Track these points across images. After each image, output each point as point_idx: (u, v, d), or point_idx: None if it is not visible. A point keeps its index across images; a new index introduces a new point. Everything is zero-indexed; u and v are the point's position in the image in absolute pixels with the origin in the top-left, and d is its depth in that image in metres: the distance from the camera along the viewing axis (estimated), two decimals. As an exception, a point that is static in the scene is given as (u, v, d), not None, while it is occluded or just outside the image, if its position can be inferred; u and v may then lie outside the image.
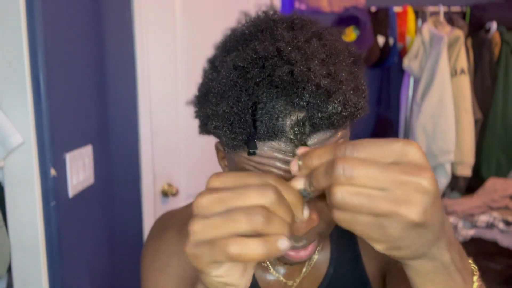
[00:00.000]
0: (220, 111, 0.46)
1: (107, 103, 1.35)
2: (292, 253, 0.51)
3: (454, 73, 2.30)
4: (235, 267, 0.37)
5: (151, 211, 1.61)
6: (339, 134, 0.46)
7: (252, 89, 0.44)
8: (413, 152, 0.33)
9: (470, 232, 1.92)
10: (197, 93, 0.54)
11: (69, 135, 1.09)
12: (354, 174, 0.32)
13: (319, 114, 0.43)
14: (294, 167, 0.38)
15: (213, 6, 1.73)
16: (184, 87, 1.66)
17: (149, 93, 1.56)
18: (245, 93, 0.44)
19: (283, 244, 0.34)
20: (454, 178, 2.39)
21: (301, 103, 0.43)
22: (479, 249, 1.83)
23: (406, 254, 0.35)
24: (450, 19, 2.40)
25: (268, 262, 0.65)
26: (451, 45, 2.28)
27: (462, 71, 2.29)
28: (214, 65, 0.51)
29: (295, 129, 0.44)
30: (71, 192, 1.08)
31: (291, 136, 0.44)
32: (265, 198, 0.34)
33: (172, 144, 1.67)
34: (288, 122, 0.44)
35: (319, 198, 0.43)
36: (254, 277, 0.64)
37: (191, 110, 0.56)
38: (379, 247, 0.35)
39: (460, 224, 1.95)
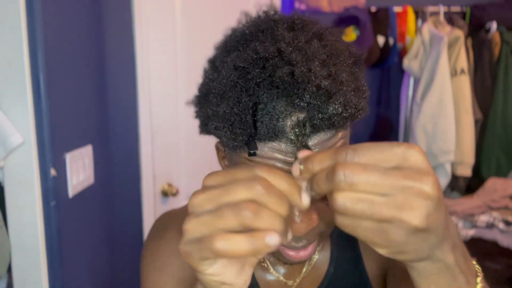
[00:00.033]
0: (220, 111, 0.46)
1: (107, 103, 1.34)
2: (292, 253, 0.51)
3: (454, 73, 2.30)
4: (229, 265, 0.37)
5: (151, 211, 1.61)
6: (340, 134, 0.46)
7: (253, 90, 0.44)
8: (415, 156, 0.32)
9: (470, 232, 1.92)
10: (198, 93, 0.54)
11: (69, 135, 1.09)
12: (355, 180, 0.32)
13: (320, 115, 0.43)
14: (295, 171, 0.37)
15: (213, 6, 1.73)
16: (184, 87, 1.66)
17: (149, 93, 1.56)
18: (246, 94, 0.44)
19: (272, 240, 0.33)
20: (454, 178, 2.39)
21: (302, 104, 0.43)
22: (479, 249, 1.83)
23: (410, 257, 0.35)
24: (450, 19, 2.40)
25: (268, 262, 0.65)
26: (451, 45, 2.28)
27: (462, 71, 2.29)
28: (215, 65, 0.51)
29: (296, 130, 0.44)
30: (71, 192, 1.08)
31: (292, 137, 0.44)
32: (252, 191, 0.33)
33: (172, 144, 1.67)
34: (289, 123, 0.44)
35: (320, 199, 0.43)
36: (254, 277, 0.64)
37: (191, 110, 0.56)
38: (382, 252, 0.34)
39: (460, 224, 1.95)
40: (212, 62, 0.53)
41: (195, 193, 0.35)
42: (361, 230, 0.33)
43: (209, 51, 0.55)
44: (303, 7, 2.50)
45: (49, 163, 0.98)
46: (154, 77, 1.58)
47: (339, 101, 0.43)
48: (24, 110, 0.94)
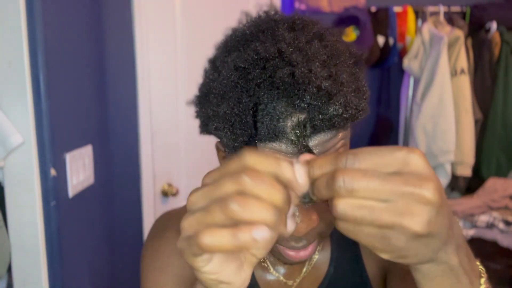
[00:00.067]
0: (221, 112, 0.46)
1: (107, 103, 1.34)
2: (292, 253, 0.51)
3: (454, 73, 2.30)
4: (226, 263, 0.37)
5: (151, 211, 1.61)
6: (340, 135, 0.46)
7: (253, 90, 0.44)
8: (416, 161, 0.32)
9: (470, 232, 1.92)
10: (198, 93, 0.54)
11: (69, 135, 1.09)
12: (355, 187, 0.31)
13: (320, 116, 0.43)
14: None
15: (213, 6, 1.73)
16: (184, 87, 1.66)
17: (149, 93, 1.56)
18: (246, 94, 0.44)
19: (259, 233, 0.31)
20: (454, 178, 2.39)
21: (302, 104, 0.43)
22: (479, 249, 1.83)
23: (413, 261, 0.35)
24: (450, 19, 2.40)
25: (268, 262, 0.65)
26: (451, 45, 2.28)
27: (462, 71, 2.29)
28: (215, 65, 0.51)
29: (296, 130, 0.44)
30: (71, 192, 1.08)
31: (292, 138, 0.44)
32: (238, 182, 0.32)
33: (172, 144, 1.67)
34: (289, 124, 0.44)
35: None
36: (253, 277, 0.64)
37: (191, 110, 0.56)
38: (384, 256, 0.34)
39: (460, 224, 1.95)
40: (213, 62, 0.53)
41: (192, 191, 0.35)
42: (363, 235, 0.33)
43: (209, 51, 0.55)
44: (303, 7, 2.50)
45: (49, 163, 0.98)
46: (154, 77, 1.57)
47: (339, 102, 0.43)
48: (24, 110, 0.94)
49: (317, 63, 0.44)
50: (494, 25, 2.34)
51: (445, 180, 2.34)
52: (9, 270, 1.02)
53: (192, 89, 0.57)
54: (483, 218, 1.93)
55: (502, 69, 2.35)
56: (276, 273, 0.64)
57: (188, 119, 1.67)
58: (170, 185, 1.67)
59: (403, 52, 2.51)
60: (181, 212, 0.70)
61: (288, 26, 0.48)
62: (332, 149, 0.46)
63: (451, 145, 2.27)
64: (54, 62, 0.99)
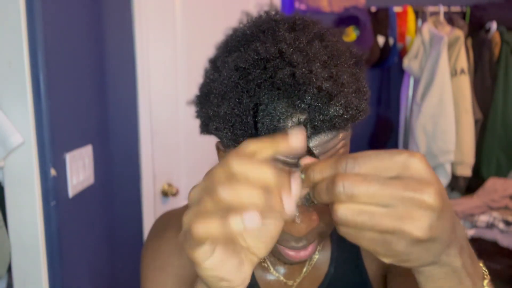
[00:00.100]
0: (221, 112, 0.46)
1: (107, 103, 1.34)
2: (292, 253, 0.51)
3: (454, 73, 2.30)
4: (227, 259, 0.37)
5: (151, 211, 1.61)
6: (341, 135, 0.46)
7: (254, 91, 0.44)
8: (416, 165, 0.32)
9: (470, 232, 1.92)
10: (199, 93, 0.54)
11: (69, 135, 1.09)
12: (355, 192, 0.31)
13: (321, 117, 0.43)
14: (297, 180, 0.38)
15: (213, 6, 1.73)
16: (184, 87, 1.66)
17: (149, 93, 1.56)
18: (247, 95, 0.44)
19: (249, 219, 0.31)
20: (454, 178, 2.39)
21: (303, 105, 0.43)
22: (479, 249, 1.83)
23: (415, 264, 0.35)
24: (450, 19, 2.40)
25: (268, 262, 0.65)
26: (451, 45, 2.29)
27: (462, 71, 2.29)
28: (216, 66, 0.51)
29: None
30: (71, 192, 1.08)
31: None
32: (227, 168, 0.31)
33: (172, 144, 1.67)
34: (290, 124, 0.44)
35: None
36: (254, 277, 0.64)
37: (191, 110, 0.56)
38: (386, 260, 0.34)
39: (460, 224, 1.95)
40: (213, 62, 0.53)
41: (192, 187, 0.36)
42: (364, 240, 0.33)
43: (209, 51, 0.55)
44: (303, 7, 2.50)
45: (49, 163, 0.98)
46: (154, 77, 1.57)
47: (340, 102, 0.43)
48: (24, 110, 0.94)
49: (318, 64, 0.44)
50: (494, 25, 2.34)
51: (445, 180, 2.34)
52: (9, 270, 1.02)
53: (192, 89, 0.57)
54: (483, 218, 1.93)
55: (502, 69, 2.35)
56: (276, 273, 0.64)
57: (188, 119, 1.67)
58: (170, 185, 1.67)
59: (403, 52, 2.51)
60: (181, 212, 0.70)
61: (288, 27, 0.48)
62: (333, 150, 0.46)
63: (451, 145, 2.27)
64: (54, 62, 0.99)
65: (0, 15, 0.90)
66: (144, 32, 1.51)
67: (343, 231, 0.34)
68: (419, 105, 2.35)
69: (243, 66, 0.45)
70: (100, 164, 1.27)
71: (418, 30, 2.45)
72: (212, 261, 0.36)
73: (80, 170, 1.12)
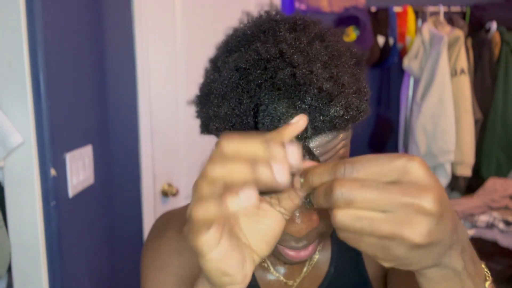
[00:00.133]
0: (221, 112, 0.46)
1: (107, 103, 1.34)
2: (292, 253, 0.51)
3: (454, 73, 2.30)
4: (230, 253, 0.37)
5: (151, 211, 1.61)
6: (341, 136, 0.46)
7: (254, 91, 0.44)
8: (415, 170, 0.31)
9: (470, 232, 1.92)
10: (199, 93, 0.54)
11: (69, 135, 1.09)
12: (353, 198, 0.31)
13: (321, 117, 0.43)
14: (297, 183, 0.38)
15: (213, 6, 1.73)
16: (184, 87, 1.66)
17: (149, 93, 1.56)
18: (247, 95, 0.44)
19: (244, 199, 0.31)
20: (454, 178, 2.39)
21: (303, 106, 0.43)
22: (479, 249, 1.83)
23: (416, 268, 0.35)
24: (450, 19, 2.40)
25: (268, 262, 0.65)
26: (451, 45, 2.29)
27: (462, 71, 2.29)
28: (216, 66, 0.51)
29: None
30: (71, 192, 1.08)
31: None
32: (218, 150, 0.32)
33: (172, 144, 1.67)
34: None
35: None
36: (254, 277, 0.64)
37: (191, 110, 0.56)
38: (386, 264, 0.34)
39: (460, 224, 1.95)
40: (214, 62, 0.53)
41: (195, 181, 0.36)
42: (363, 244, 0.33)
43: (209, 51, 0.55)
44: (303, 7, 2.50)
45: (49, 163, 0.98)
46: (154, 77, 1.57)
47: (340, 103, 0.43)
48: (24, 110, 0.94)
49: (318, 64, 0.44)
50: (494, 25, 2.34)
51: (445, 180, 2.34)
52: (9, 270, 1.02)
53: (192, 89, 0.57)
54: (483, 218, 1.93)
55: (502, 69, 2.35)
56: (276, 273, 0.64)
57: (188, 119, 1.67)
58: (170, 185, 1.67)
59: (403, 52, 2.51)
60: (181, 212, 0.70)
61: (289, 27, 0.48)
62: (333, 150, 0.46)
63: (451, 145, 2.27)
64: (54, 62, 0.99)
65: (0, 15, 0.90)
66: (144, 32, 1.51)
67: (343, 235, 0.34)
68: (419, 105, 2.35)
69: (244, 66, 0.45)
70: (100, 164, 1.27)
71: (418, 30, 2.45)
72: (216, 252, 0.36)
73: (80, 170, 1.12)
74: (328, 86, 0.43)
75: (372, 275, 0.64)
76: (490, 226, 1.90)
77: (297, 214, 0.47)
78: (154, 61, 1.57)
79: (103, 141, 1.31)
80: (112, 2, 1.37)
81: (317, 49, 0.45)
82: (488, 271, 0.42)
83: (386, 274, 0.65)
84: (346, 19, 2.36)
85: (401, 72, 2.55)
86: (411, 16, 2.46)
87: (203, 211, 0.33)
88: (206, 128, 0.52)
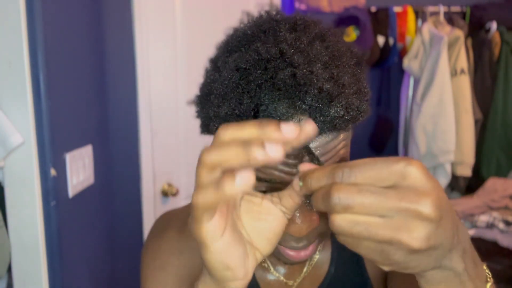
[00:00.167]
0: (222, 113, 0.46)
1: (107, 103, 1.34)
2: (292, 253, 0.51)
3: (454, 73, 2.30)
4: (234, 246, 0.38)
5: (151, 211, 1.61)
6: (341, 136, 0.46)
7: (254, 91, 0.44)
8: (413, 174, 0.31)
9: (470, 232, 1.92)
10: (199, 93, 0.54)
11: (69, 135, 1.09)
12: (350, 203, 0.31)
13: (322, 118, 0.43)
14: (296, 186, 0.38)
15: (213, 6, 1.73)
16: (184, 87, 1.66)
17: (149, 93, 1.56)
18: (247, 95, 0.44)
19: (240, 181, 0.31)
20: (454, 178, 2.39)
21: (304, 106, 0.43)
22: (479, 249, 1.83)
23: (415, 271, 0.35)
24: (450, 19, 2.40)
25: (268, 262, 0.65)
26: (451, 45, 2.29)
27: (462, 71, 2.29)
28: (216, 66, 0.51)
29: None
30: (71, 192, 1.08)
31: None
32: (216, 139, 0.32)
33: (172, 144, 1.67)
34: None
35: None
36: (254, 277, 0.64)
37: (191, 110, 0.55)
38: (385, 268, 0.34)
39: (460, 224, 1.95)
40: (214, 62, 0.53)
41: None
42: (362, 248, 0.33)
43: (209, 51, 0.55)
44: (303, 7, 2.50)
45: (49, 163, 0.98)
46: (154, 77, 1.57)
47: (341, 104, 0.43)
48: (24, 110, 0.94)
49: (319, 65, 0.44)
50: (494, 25, 2.34)
51: (445, 180, 2.34)
52: (9, 270, 1.02)
53: (192, 89, 0.57)
54: (483, 218, 1.93)
55: (502, 69, 2.35)
56: (276, 273, 0.64)
57: (188, 119, 1.67)
58: (170, 185, 1.67)
59: (403, 52, 2.51)
60: (181, 212, 0.70)
61: (289, 27, 0.48)
62: (333, 151, 0.46)
63: (451, 145, 2.27)
64: (54, 62, 0.99)
65: (0, 15, 0.90)
66: (144, 32, 1.51)
67: (342, 239, 0.34)
68: (419, 105, 2.35)
69: (244, 66, 0.45)
70: (100, 164, 1.27)
71: (418, 30, 2.45)
72: (220, 244, 0.36)
73: (80, 170, 1.12)
74: (329, 86, 0.43)
75: (372, 275, 0.64)
76: (490, 226, 1.90)
77: (298, 214, 0.48)
78: (154, 61, 1.57)
79: (103, 141, 1.31)
80: (112, 2, 1.37)
81: (317, 49, 0.45)
82: (489, 273, 0.41)
83: (386, 274, 0.65)
84: (346, 19, 2.36)
85: (401, 72, 2.55)
86: (411, 16, 2.46)
87: (203, 196, 0.33)
88: (206, 128, 0.52)
